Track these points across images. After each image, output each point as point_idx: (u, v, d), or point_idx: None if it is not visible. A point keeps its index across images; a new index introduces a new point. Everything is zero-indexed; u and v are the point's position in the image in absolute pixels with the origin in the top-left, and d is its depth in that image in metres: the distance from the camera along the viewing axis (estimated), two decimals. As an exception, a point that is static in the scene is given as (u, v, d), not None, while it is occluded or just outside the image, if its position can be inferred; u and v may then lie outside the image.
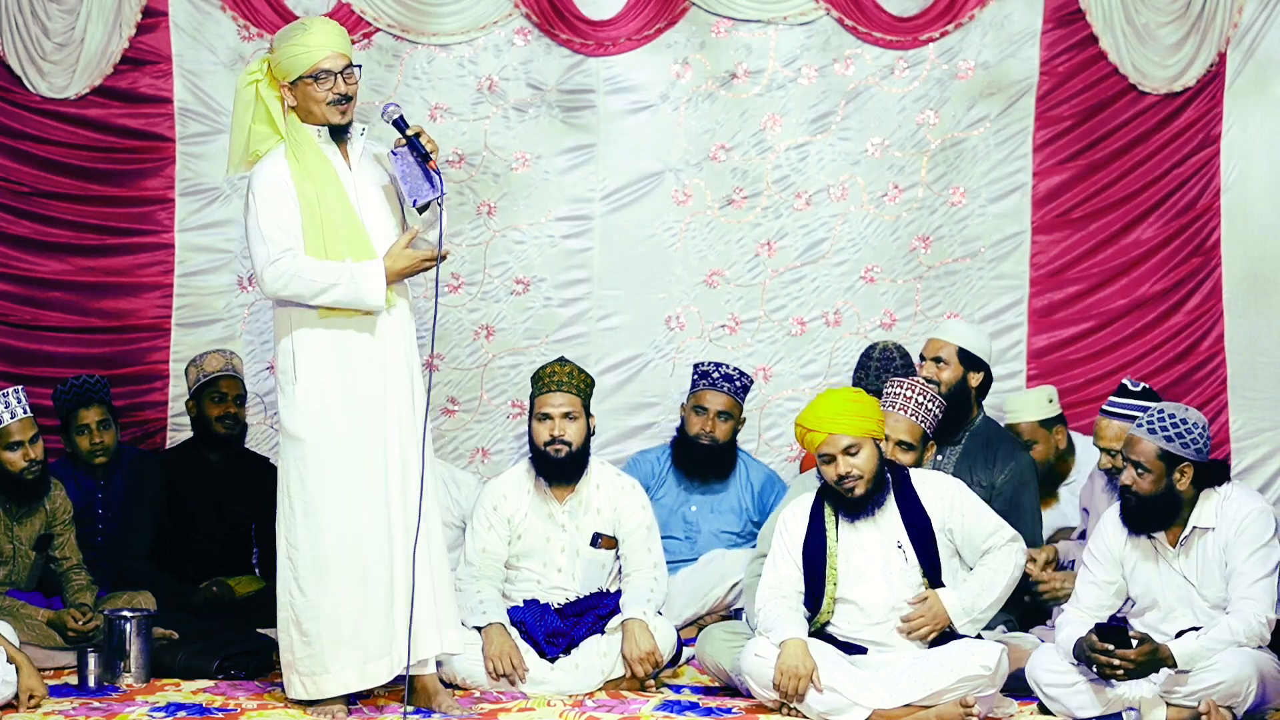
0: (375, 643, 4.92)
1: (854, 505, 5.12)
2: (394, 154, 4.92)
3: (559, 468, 5.60)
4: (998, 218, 6.73)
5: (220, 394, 6.23)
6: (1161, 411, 4.96)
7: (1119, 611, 5.11)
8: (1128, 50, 6.60)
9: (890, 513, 5.14)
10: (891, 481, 5.16)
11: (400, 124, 4.91)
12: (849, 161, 6.74)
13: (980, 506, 5.15)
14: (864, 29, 6.68)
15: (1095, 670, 4.85)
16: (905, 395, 5.44)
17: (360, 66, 4.99)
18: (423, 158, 4.88)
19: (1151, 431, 4.93)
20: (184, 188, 6.74)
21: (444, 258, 4.94)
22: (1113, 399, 5.53)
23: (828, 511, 5.17)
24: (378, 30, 6.69)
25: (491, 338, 6.79)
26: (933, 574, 5.09)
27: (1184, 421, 4.92)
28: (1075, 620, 5.03)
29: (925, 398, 5.44)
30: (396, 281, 4.93)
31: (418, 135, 4.89)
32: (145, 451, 6.44)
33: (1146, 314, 6.70)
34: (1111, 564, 5.08)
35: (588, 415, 5.65)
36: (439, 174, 4.89)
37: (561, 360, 5.78)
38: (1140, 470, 4.93)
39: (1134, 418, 5.19)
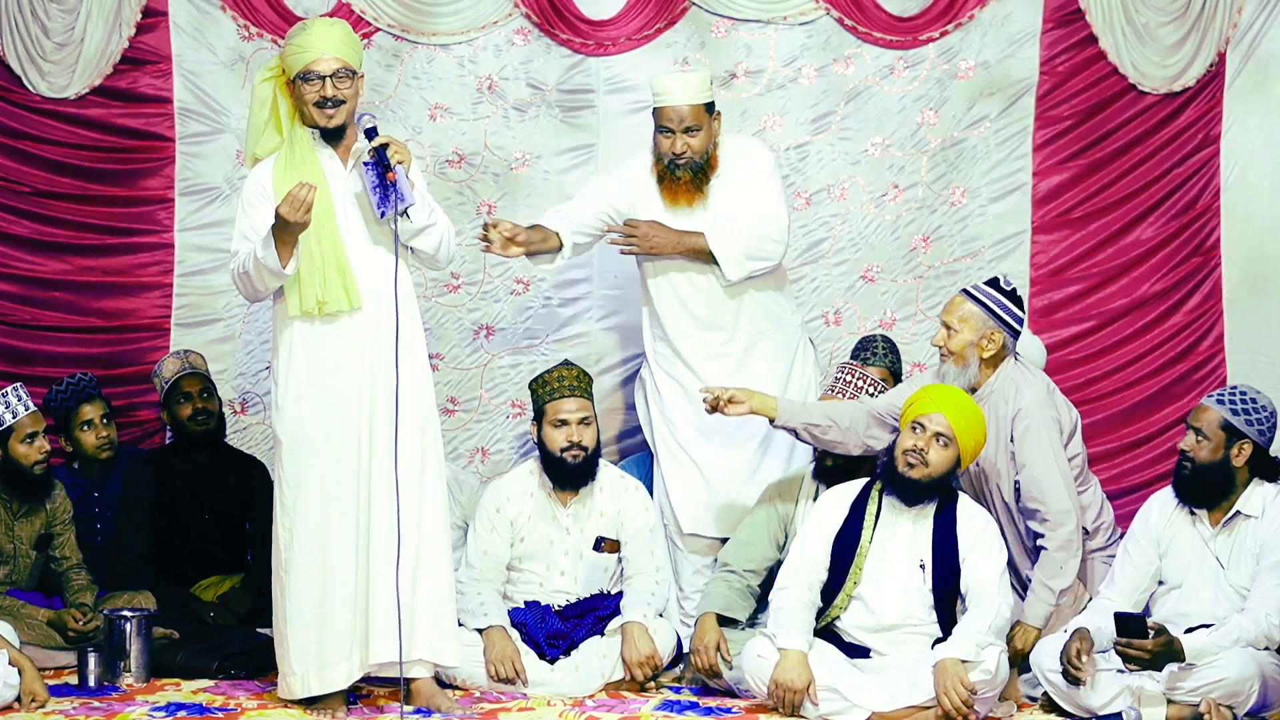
0: (335, 648, 4.95)
1: (903, 486, 5.13)
2: (365, 164, 4.94)
3: (574, 473, 5.60)
4: (998, 218, 6.72)
5: (184, 394, 6.26)
6: (1236, 388, 5.15)
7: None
8: (1127, 50, 6.59)
9: (924, 530, 5.14)
10: (939, 500, 5.16)
11: (370, 135, 4.93)
12: (849, 161, 6.73)
13: (996, 559, 5.11)
14: (864, 29, 6.68)
15: (1069, 680, 4.92)
16: (855, 385, 5.59)
17: (355, 73, 4.99)
18: (385, 170, 4.88)
19: (1220, 402, 5.10)
20: (184, 188, 6.74)
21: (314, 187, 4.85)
22: (981, 285, 5.45)
23: (869, 509, 5.18)
24: (378, 30, 6.69)
25: (491, 338, 6.79)
26: (944, 604, 5.09)
27: (1254, 401, 5.09)
28: (1106, 607, 5.08)
29: (864, 382, 5.59)
30: (290, 234, 4.84)
31: (385, 146, 4.90)
32: (137, 452, 6.45)
33: (1146, 314, 6.69)
34: (1150, 545, 5.16)
35: (595, 416, 5.68)
36: (395, 186, 4.88)
37: (567, 364, 5.79)
38: (1200, 437, 5.08)
39: (987, 306, 5.33)
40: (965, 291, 5.44)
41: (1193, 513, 5.15)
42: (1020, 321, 5.42)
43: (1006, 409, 5.33)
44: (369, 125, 4.96)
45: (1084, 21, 6.62)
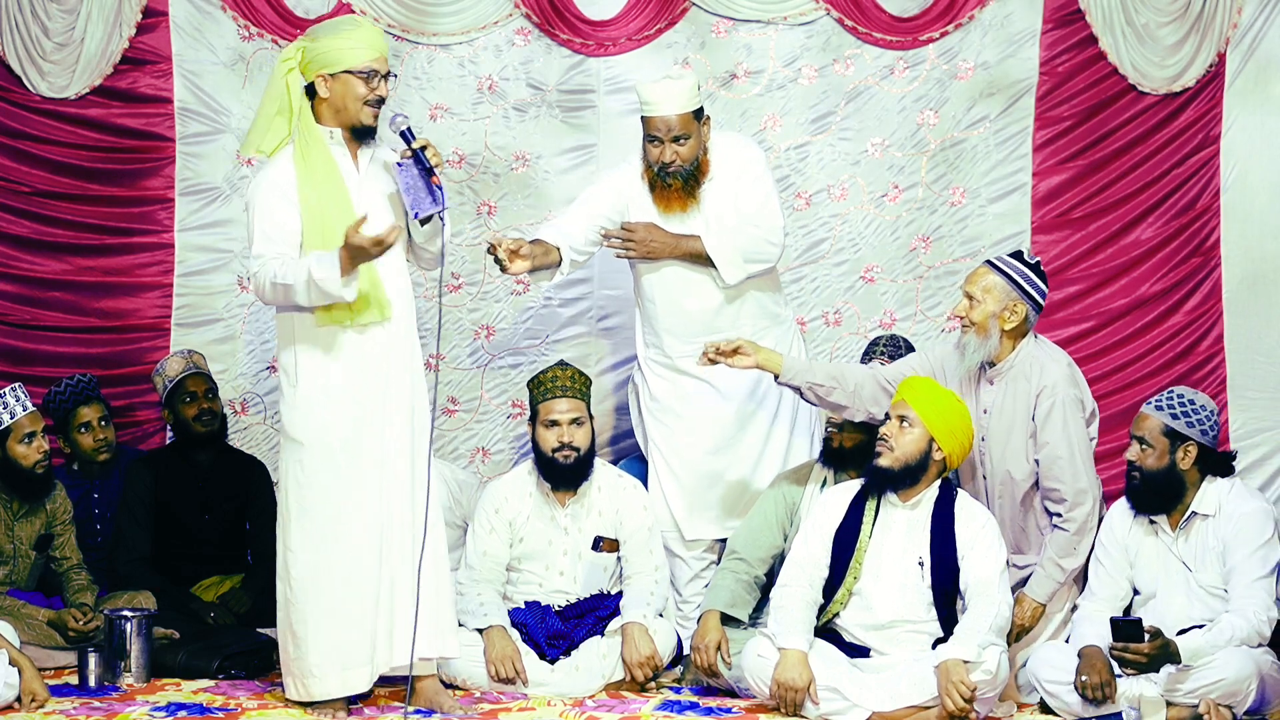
0: (357, 650, 4.94)
1: (874, 474, 5.15)
2: (399, 165, 4.95)
3: (567, 473, 5.60)
4: (998, 218, 6.72)
5: (189, 394, 6.25)
6: (1172, 392, 5.14)
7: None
8: (1127, 50, 6.60)
9: (923, 527, 5.15)
10: (937, 497, 5.16)
11: (407, 136, 4.94)
12: (849, 161, 6.73)
13: (996, 558, 5.11)
14: (864, 29, 6.68)
15: (1089, 693, 4.90)
16: None
17: (396, 75, 5.04)
18: (427, 171, 4.91)
19: (1159, 408, 5.10)
20: (184, 188, 6.74)
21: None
22: (1005, 256, 5.46)
23: (869, 505, 5.19)
24: (378, 30, 6.69)
25: (491, 338, 6.79)
26: (943, 601, 5.10)
27: (1191, 403, 5.08)
28: (1092, 616, 5.09)
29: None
30: (354, 266, 4.82)
31: (423, 148, 4.92)
32: (137, 452, 6.45)
33: (1146, 314, 6.69)
34: (1119, 552, 5.18)
35: (590, 418, 5.67)
36: (441, 189, 4.92)
37: (562, 364, 5.79)
38: (1144, 445, 5.11)
39: (1010, 277, 5.33)
40: (989, 262, 5.43)
41: (1151, 521, 5.16)
42: (1043, 295, 5.42)
43: (1028, 386, 5.32)
44: (404, 126, 4.97)
45: (1084, 22, 6.63)
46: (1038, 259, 5.47)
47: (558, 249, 5.72)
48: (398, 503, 4.98)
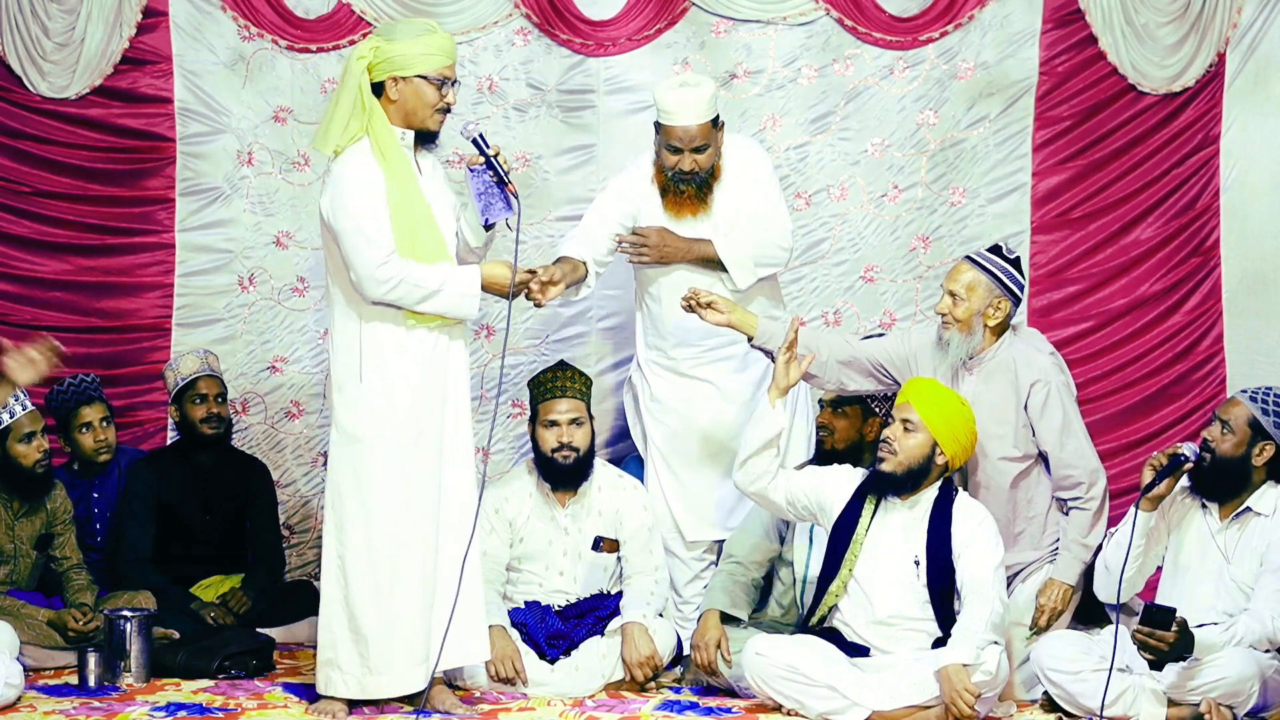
0: (418, 648, 4.93)
1: (877, 478, 5.16)
2: (471, 171, 4.99)
3: (566, 474, 5.60)
4: (997, 218, 6.73)
5: (200, 395, 6.24)
6: (1270, 389, 5.11)
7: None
8: (1127, 50, 6.60)
9: (920, 526, 5.14)
10: (935, 498, 5.16)
11: (480, 142, 4.95)
12: (849, 161, 6.74)
13: (991, 556, 5.09)
14: (864, 29, 6.68)
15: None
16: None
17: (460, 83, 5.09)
18: (500, 179, 4.95)
19: (1253, 399, 5.10)
20: (184, 188, 6.74)
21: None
22: (985, 252, 5.43)
23: (869, 499, 5.19)
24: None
25: (491, 338, 6.79)
26: (940, 600, 5.10)
27: None
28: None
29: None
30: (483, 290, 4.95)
31: (495, 155, 4.95)
32: (138, 452, 6.44)
33: (1146, 314, 6.70)
34: (1159, 517, 5.12)
35: (590, 418, 5.67)
36: (516, 196, 4.98)
37: (562, 364, 5.79)
38: (1225, 429, 5.07)
39: (993, 273, 5.32)
40: (969, 258, 5.41)
41: (1204, 505, 5.16)
42: (1022, 289, 5.42)
43: (1013, 377, 5.32)
44: (476, 133, 4.99)
45: (1084, 22, 6.63)
46: (1017, 254, 5.45)
47: (583, 263, 5.71)
48: (456, 499, 5.00)
